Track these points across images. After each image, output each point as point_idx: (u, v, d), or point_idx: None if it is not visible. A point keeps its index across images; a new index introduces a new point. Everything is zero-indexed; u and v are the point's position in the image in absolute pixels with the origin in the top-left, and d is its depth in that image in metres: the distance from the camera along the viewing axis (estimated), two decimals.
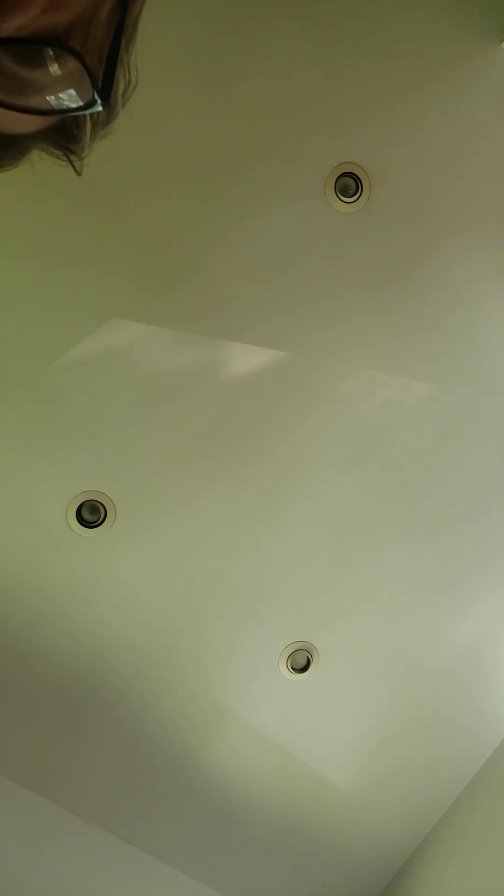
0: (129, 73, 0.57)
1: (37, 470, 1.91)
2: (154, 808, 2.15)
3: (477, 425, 2.06)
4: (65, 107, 0.49)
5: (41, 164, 0.57)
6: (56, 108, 0.49)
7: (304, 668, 2.12)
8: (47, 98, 0.48)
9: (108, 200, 1.75)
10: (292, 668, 2.11)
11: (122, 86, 0.56)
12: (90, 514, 1.94)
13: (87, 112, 0.49)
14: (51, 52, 0.46)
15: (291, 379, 1.97)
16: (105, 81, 0.49)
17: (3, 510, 1.91)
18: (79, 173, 0.58)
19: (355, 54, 1.72)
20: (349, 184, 1.83)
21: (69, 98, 0.48)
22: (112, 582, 1.99)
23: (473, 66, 1.73)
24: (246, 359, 1.93)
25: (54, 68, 0.47)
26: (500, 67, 1.72)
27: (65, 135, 0.56)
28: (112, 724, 2.08)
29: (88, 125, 0.56)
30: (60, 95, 0.48)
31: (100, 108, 0.49)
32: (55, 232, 1.75)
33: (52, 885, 1.99)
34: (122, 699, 2.06)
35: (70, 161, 0.57)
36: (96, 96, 0.48)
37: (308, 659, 2.12)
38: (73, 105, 0.49)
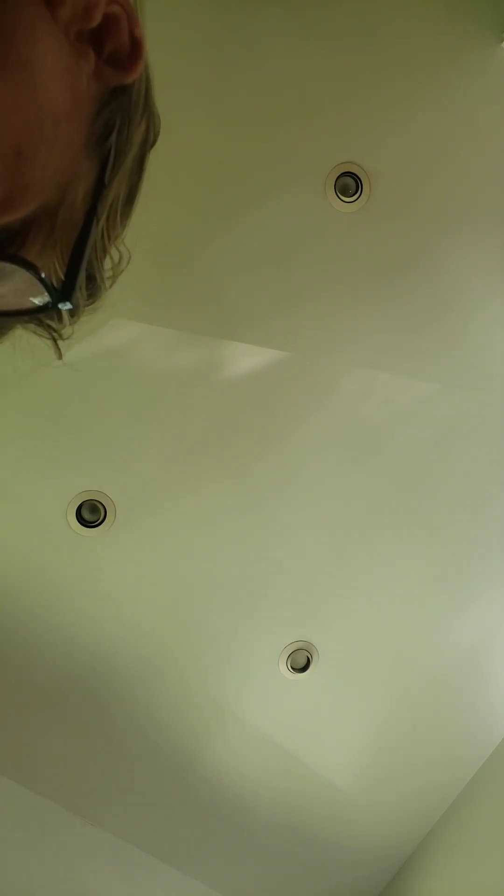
0: (119, 250, 0.51)
1: (37, 469, 1.90)
2: (154, 808, 2.15)
3: (476, 422, 2.06)
4: (23, 308, 0.43)
5: None
6: (13, 309, 0.43)
7: (304, 668, 2.12)
8: (6, 297, 0.43)
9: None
10: (292, 667, 2.11)
11: (108, 263, 0.50)
12: (90, 514, 1.94)
13: (48, 311, 0.43)
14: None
15: (291, 378, 1.97)
16: (67, 280, 0.43)
17: (3, 510, 1.91)
18: (60, 356, 0.52)
19: (356, 55, 1.71)
20: (349, 183, 1.83)
21: (28, 300, 0.42)
22: (112, 581, 1.99)
23: (473, 65, 1.73)
24: (246, 358, 1.93)
25: (7, 272, 0.41)
26: (501, 67, 1.72)
27: (47, 315, 0.49)
28: (113, 724, 2.08)
29: (66, 313, 0.49)
30: (20, 295, 0.42)
31: (66, 307, 0.43)
32: None
33: (52, 885, 1.99)
34: (123, 700, 2.06)
35: (53, 339, 0.51)
36: (54, 301, 0.42)
37: (308, 658, 2.12)
38: (33, 306, 0.43)
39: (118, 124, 0.46)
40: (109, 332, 1.84)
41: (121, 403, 1.90)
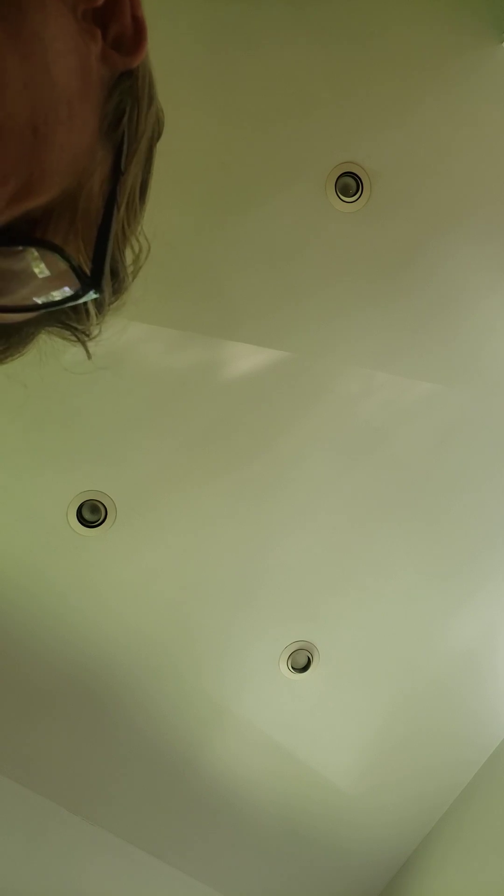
0: (139, 241, 0.51)
1: (37, 469, 1.91)
2: (154, 808, 2.15)
3: (475, 421, 2.05)
4: (51, 300, 0.42)
5: None
6: (41, 303, 0.42)
7: (305, 668, 2.12)
8: (31, 293, 0.42)
9: None
10: (293, 667, 2.11)
11: (129, 257, 0.50)
12: (91, 514, 1.94)
13: (77, 303, 0.43)
14: (26, 248, 0.40)
15: (291, 377, 1.97)
16: (95, 267, 0.42)
17: (4, 510, 1.91)
18: (89, 356, 0.51)
19: (356, 55, 1.72)
20: (349, 183, 1.83)
21: (56, 292, 0.42)
22: (113, 581, 1.99)
23: (473, 65, 1.73)
24: (246, 357, 1.93)
25: (34, 261, 0.40)
26: (500, 67, 1.72)
27: (72, 314, 0.48)
28: (113, 724, 2.08)
29: (92, 309, 0.49)
30: (45, 289, 0.41)
31: (94, 296, 0.42)
32: None
33: (52, 885, 1.99)
34: (123, 700, 2.06)
35: (80, 340, 0.50)
36: (83, 289, 0.41)
37: (308, 658, 2.12)
38: (60, 297, 0.42)
39: (128, 109, 0.46)
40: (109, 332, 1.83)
41: (121, 403, 1.90)
